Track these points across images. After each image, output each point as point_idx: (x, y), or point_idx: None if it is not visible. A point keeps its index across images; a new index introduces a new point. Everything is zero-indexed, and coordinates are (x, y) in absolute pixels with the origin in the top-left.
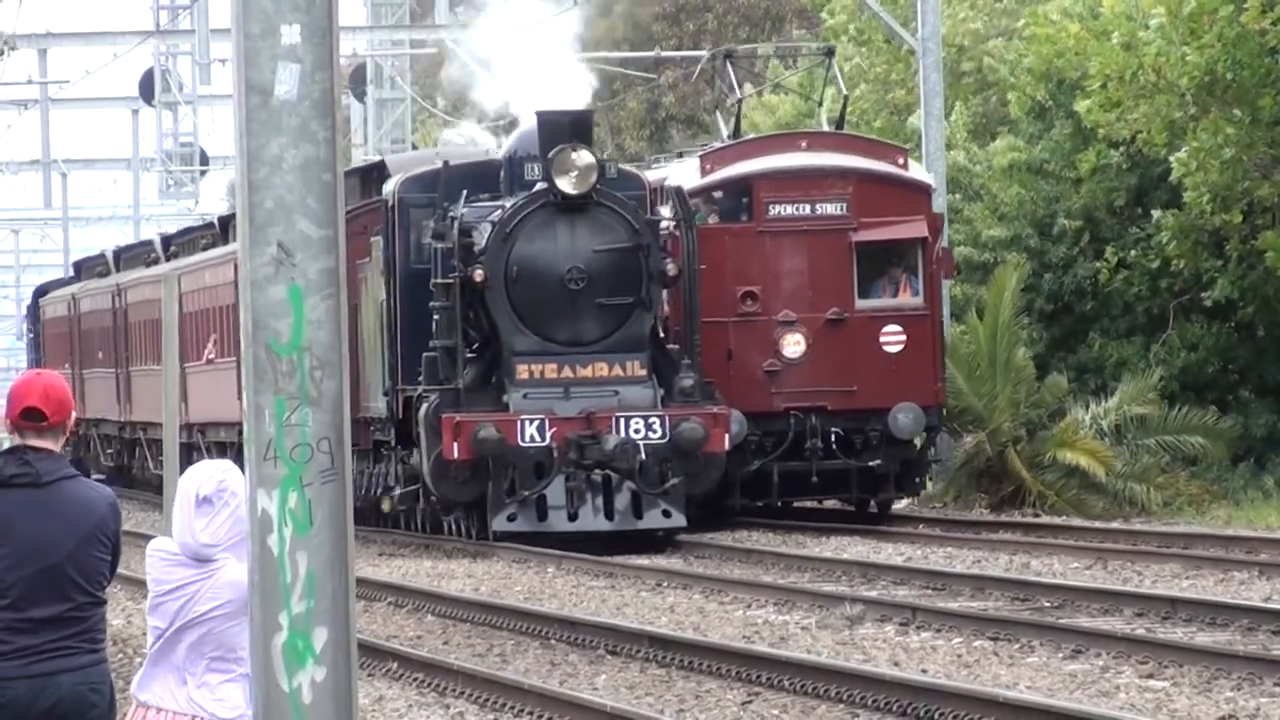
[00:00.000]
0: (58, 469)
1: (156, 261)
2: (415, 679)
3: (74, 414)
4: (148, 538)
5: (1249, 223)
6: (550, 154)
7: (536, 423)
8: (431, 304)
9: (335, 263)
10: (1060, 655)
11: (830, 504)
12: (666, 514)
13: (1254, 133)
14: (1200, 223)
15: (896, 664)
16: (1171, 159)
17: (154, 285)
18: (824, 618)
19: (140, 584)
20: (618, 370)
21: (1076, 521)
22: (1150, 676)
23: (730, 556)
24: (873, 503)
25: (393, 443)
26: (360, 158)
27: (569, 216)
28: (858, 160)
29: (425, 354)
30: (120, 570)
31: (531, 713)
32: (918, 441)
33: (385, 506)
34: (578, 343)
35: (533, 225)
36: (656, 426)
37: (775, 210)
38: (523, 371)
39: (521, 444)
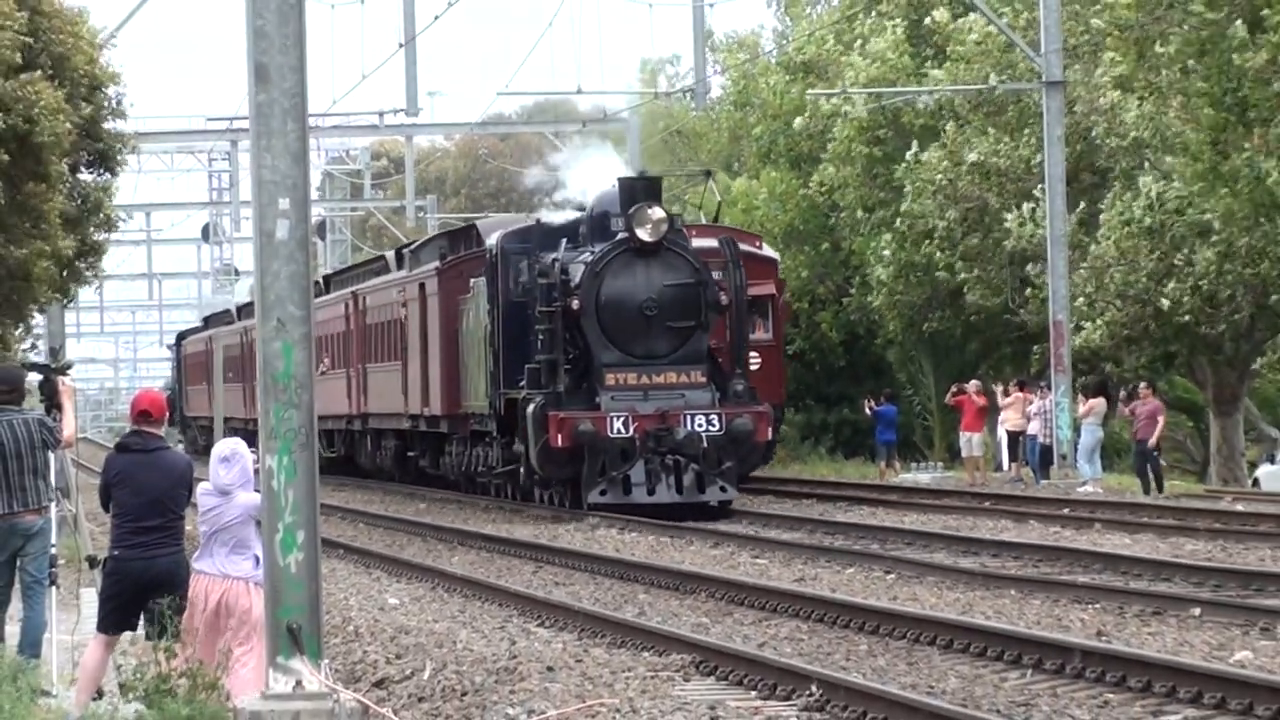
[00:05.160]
0: (158, 443)
1: None
2: (353, 558)
3: (167, 413)
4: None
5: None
6: (630, 209)
7: (622, 419)
8: (536, 327)
9: (309, 329)
10: (708, 545)
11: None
12: (723, 489)
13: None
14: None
15: (618, 550)
16: None
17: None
18: (579, 526)
19: None
20: (684, 378)
21: None
22: (758, 557)
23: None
24: None
25: (495, 433)
26: (322, 272)
27: (645, 258)
28: None
29: (529, 365)
30: (192, 500)
31: (417, 578)
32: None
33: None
34: (652, 356)
35: (617, 265)
36: (715, 421)
37: None
38: (610, 379)
39: (610, 435)
